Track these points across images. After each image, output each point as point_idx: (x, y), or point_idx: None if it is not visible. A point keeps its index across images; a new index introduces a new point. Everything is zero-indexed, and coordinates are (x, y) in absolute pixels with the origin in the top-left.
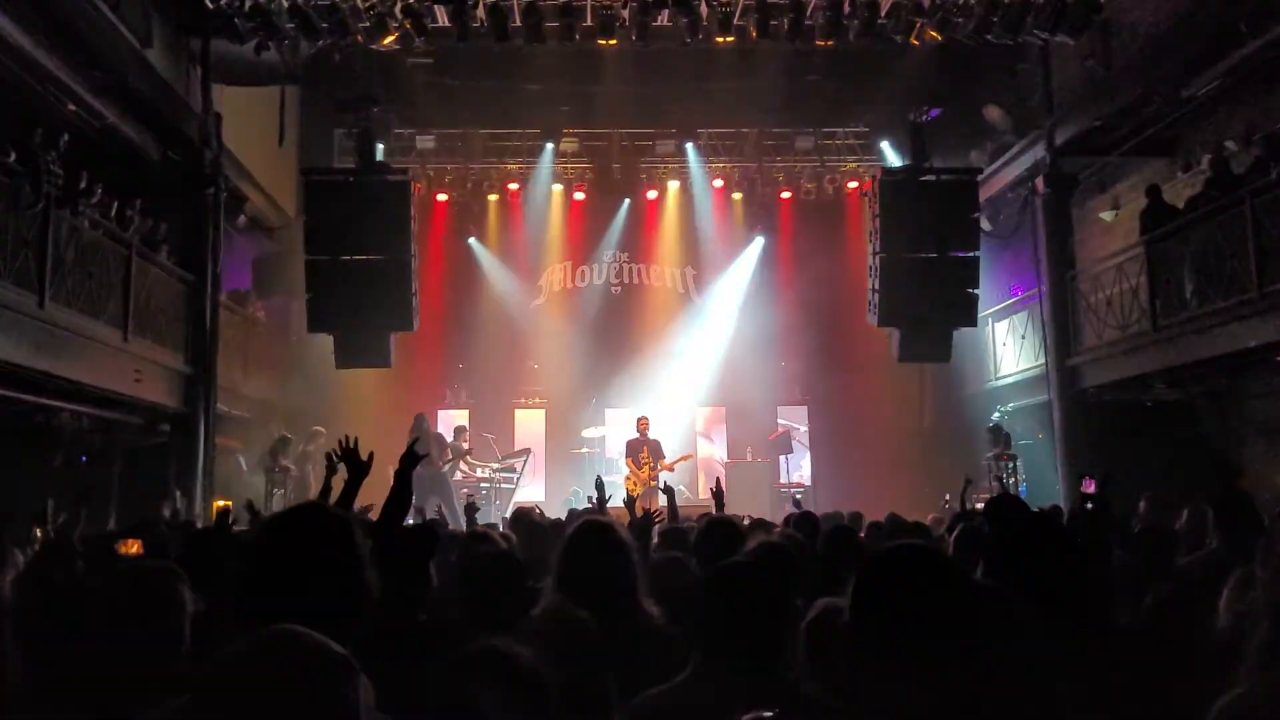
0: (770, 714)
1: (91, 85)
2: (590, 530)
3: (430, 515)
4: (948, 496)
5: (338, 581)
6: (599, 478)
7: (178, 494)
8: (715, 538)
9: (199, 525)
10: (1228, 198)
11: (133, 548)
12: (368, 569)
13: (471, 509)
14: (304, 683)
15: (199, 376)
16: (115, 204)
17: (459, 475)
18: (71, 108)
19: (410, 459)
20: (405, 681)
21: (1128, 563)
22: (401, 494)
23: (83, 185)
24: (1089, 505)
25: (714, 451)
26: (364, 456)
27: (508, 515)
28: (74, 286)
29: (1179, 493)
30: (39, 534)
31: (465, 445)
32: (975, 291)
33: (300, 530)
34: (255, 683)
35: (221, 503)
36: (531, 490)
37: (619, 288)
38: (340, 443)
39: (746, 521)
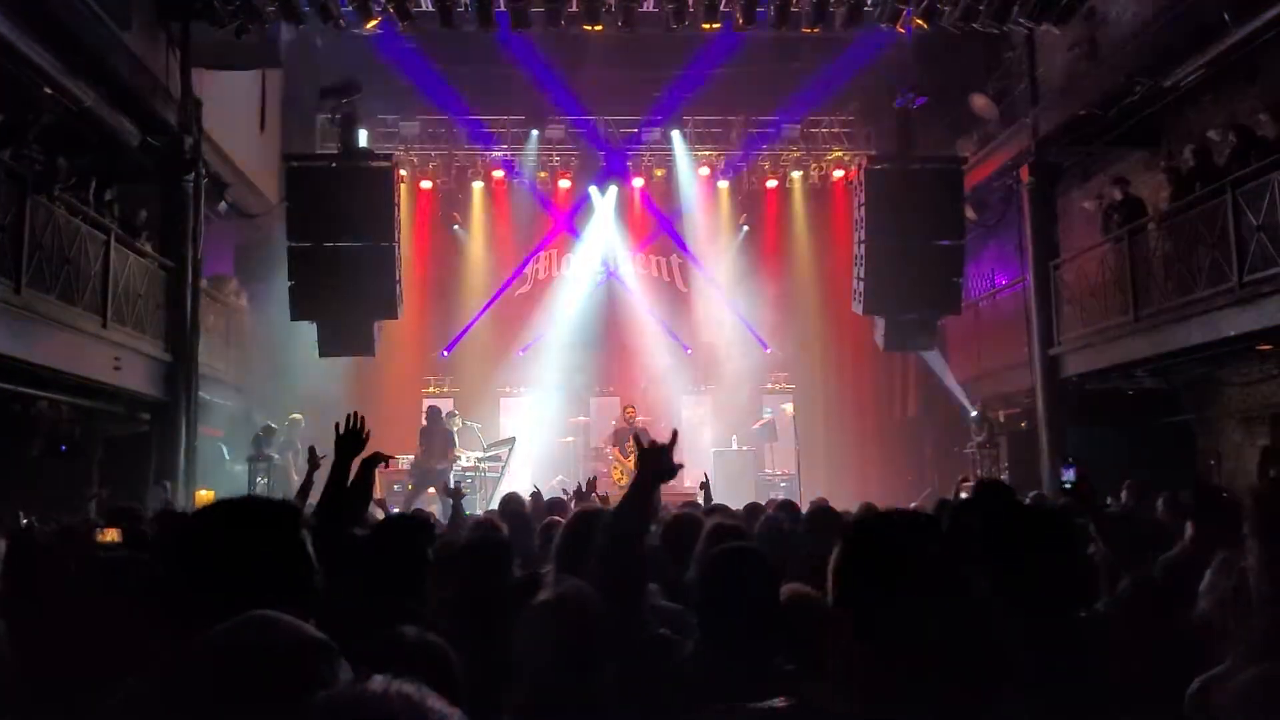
0: (782, 703)
1: (69, 69)
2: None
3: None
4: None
5: (277, 572)
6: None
7: (166, 484)
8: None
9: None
10: (1209, 188)
11: (110, 536)
12: (309, 561)
13: (457, 494)
14: (283, 666)
15: (180, 364)
16: (94, 189)
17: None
18: (48, 91)
19: (375, 459)
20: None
21: (1106, 552)
22: (362, 488)
23: (60, 170)
24: (1067, 488)
25: (700, 439)
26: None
27: (493, 504)
28: (51, 273)
29: (1160, 480)
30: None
31: (455, 430)
32: (960, 280)
33: (237, 520)
34: (234, 666)
35: (204, 492)
36: (517, 479)
37: (605, 276)
38: (347, 419)
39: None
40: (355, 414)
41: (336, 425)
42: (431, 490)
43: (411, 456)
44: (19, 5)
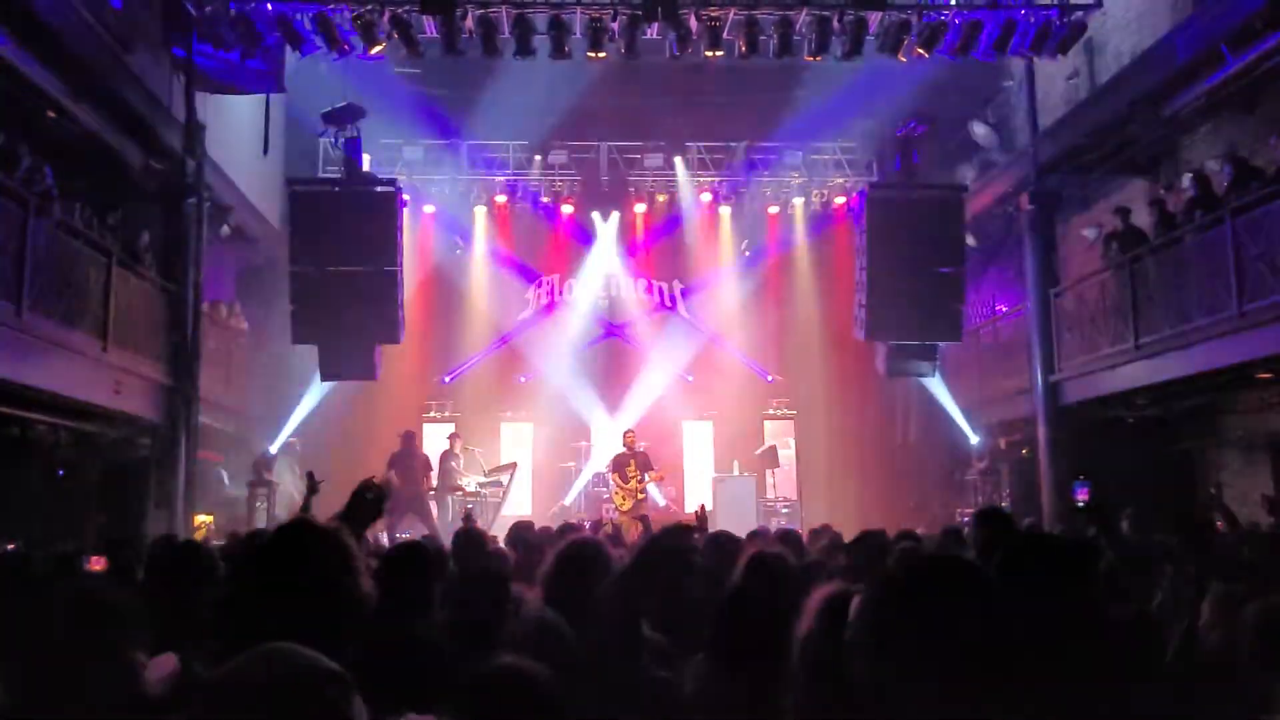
0: None
1: (72, 92)
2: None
3: (401, 536)
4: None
5: (331, 597)
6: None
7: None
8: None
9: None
10: (1208, 217)
11: (97, 565)
12: (362, 583)
13: (468, 519)
14: (300, 699)
15: (180, 388)
16: (96, 212)
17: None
18: (51, 115)
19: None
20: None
21: (1119, 569)
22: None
23: (63, 193)
24: (1081, 507)
25: (701, 465)
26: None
27: (492, 529)
28: (52, 296)
29: (1161, 509)
30: None
31: (457, 453)
32: (961, 307)
33: (294, 545)
34: (251, 700)
35: (203, 518)
36: (518, 504)
37: (606, 301)
38: (371, 482)
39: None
40: (376, 482)
41: (356, 490)
42: (411, 515)
43: None
44: (22, 27)
